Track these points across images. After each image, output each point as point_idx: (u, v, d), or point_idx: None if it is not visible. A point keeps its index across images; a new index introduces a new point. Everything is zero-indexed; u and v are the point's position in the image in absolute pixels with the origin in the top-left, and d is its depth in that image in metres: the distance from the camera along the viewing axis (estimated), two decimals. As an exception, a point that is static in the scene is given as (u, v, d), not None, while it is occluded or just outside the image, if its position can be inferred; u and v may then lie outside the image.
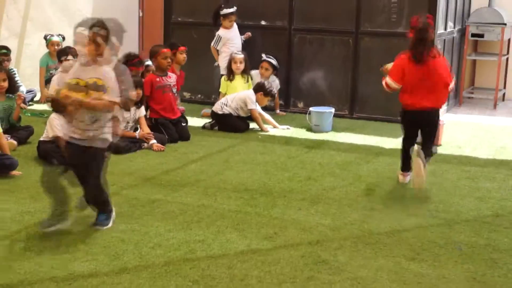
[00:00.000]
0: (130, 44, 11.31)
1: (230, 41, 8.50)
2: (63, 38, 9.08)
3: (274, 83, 8.44)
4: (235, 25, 8.60)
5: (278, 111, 8.59)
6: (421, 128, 5.58)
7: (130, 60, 7.74)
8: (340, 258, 4.06)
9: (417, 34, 5.33)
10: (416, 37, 5.34)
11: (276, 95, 8.19)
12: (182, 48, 7.84)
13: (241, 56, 8.24)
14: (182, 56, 7.86)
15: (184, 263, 3.95)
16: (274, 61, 8.48)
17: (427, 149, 5.51)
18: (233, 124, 7.62)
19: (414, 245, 4.29)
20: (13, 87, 6.80)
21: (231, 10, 8.51)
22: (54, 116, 6.08)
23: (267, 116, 7.81)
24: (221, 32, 8.53)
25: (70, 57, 7.91)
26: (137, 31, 11.79)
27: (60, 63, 8.00)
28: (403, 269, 3.92)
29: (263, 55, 8.53)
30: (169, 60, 7.29)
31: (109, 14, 11.73)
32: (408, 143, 5.58)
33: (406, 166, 5.62)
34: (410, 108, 5.49)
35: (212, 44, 8.57)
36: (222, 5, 8.59)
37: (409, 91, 5.46)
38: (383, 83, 5.61)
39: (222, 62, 8.51)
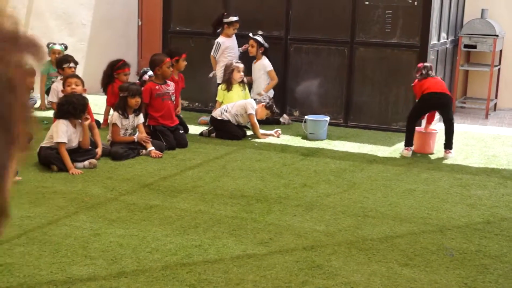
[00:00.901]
0: (129, 52, 11.39)
1: (228, 49, 8.59)
2: (65, 47, 9.15)
3: (266, 62, 8.58)
4: (234, 35, 8.70)
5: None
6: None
7: (115, 65, 7.92)
8: (334, 263, 4.11)
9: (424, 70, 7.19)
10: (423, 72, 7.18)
11: (274, 108, 8.20)
12: (184, 55, 7.92)
13: (242, 65, 8.34)
14: (184, 63, 7.91)
15: (181, 267, 4.00)
16: (259, 38, 8.60)
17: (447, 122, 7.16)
18: (230, 130, 7.68)
19: (406, 251, 4.35)
20: None
21: (236, 18, 8.62)
22: (62, 122, 6.13)
23: (262, 131, 7.87)
24: (220, 39, 8.62)
25: (72, 64, 7.98)
26: (136, 40, 11.86)
27: (62, 70, 7.99)
28: (395, 274, 3.97)
29: (250, 34, 8.65)
30: (171, 68, 7.40)
31: (109, 23, 11.90)
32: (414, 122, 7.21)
33: (409, 141, 7.14)
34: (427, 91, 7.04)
35: (212, 53, 8.65)
36: (225, 13, 8.68)
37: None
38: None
39: (219, 72, 8.58)
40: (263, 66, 8.65)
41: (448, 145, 7.10)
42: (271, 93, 8.70)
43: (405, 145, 7.15)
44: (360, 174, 6.31)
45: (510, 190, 5.87)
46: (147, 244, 4.36)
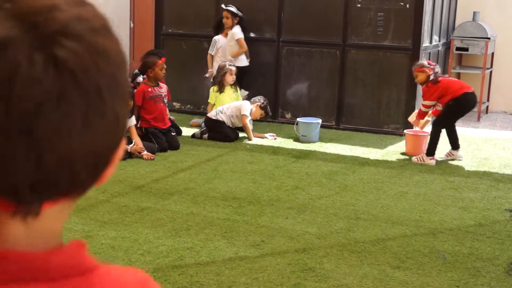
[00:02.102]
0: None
1: (222, 49, 8.60)
2: None
3: (236, 30, 8.55)
4: None
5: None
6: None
7: None
8: (326, 266, 4.11)
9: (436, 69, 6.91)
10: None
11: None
12: (163, 59, 7.89)
13: (235, 68, 8.33)
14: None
15: (173, 270, 3.99)
16: (232, 8, 8.59)
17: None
18: (224, 131, 7.69)
19: (398, 254, 4.35)
20: None
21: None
22: None
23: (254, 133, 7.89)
24: (217, 37, 8.64)
25: None
26: (128, 42, 11.84)
27: None
28: (387, 277, 3.97)
29: (222, 5, 8.63)
30: (164, 71, 7.37)
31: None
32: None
33: (434, 150, 6.87)
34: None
35: (209, 51, 8.69)
36: None
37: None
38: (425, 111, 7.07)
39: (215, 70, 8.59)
40: (233, 34, 8.59)
41: (458, 144, 7.05)
42: (243, 60, 8.65)
43: (429, 154, 6.86)
44: (352, 176, 6.32)
45: (502, 193, 5.89)
46: (139, 246, 4.34)
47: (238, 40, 8.57)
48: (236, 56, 8.58)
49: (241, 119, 7.75)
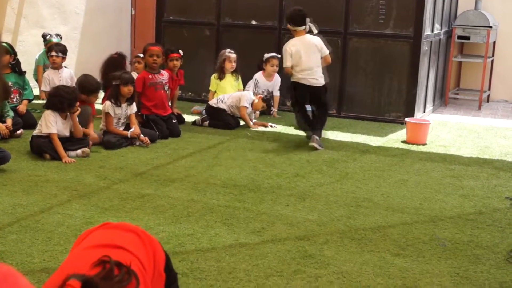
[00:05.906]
0: (122, 42, 11.34)
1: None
2: (61, 38, 9.13)
3: (277, 79, 8.54)
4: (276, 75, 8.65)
5: (275, 110, 8.64)
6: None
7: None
8: (326, 253, 4.11)
9: None
10: None
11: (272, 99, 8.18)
12: (172, 55, 7.83)
13: (234, 55, 8.32)
14: (171, 63, 7.85)
15: (174, 256, 3.97)
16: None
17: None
18: (224, 119, 7.70)
19: (399, 241, 4.35)
20: None
21: (271, 54, 8.49)
22: (49, 113, 6.11)
23: (254, 121, 7.90)
24: (257, 75, 8.53)
25: (53, 53, 7.91)
26: (129, 29, 11.80)
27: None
28: (387, 264, 3.97)
29: (266, 55, 8.45)
30: (155, 58, 7.28)
31: (102, 12, 11.85)
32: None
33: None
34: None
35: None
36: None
37: None
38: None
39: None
40: (278, 82, 8.60)
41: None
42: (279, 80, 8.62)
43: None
44: (352, 164, 6.32)
45: (502, 181, 5.90)
46: (139, 232, 4.35)
47: None
48: None
49: (240, 110, 7.77)
